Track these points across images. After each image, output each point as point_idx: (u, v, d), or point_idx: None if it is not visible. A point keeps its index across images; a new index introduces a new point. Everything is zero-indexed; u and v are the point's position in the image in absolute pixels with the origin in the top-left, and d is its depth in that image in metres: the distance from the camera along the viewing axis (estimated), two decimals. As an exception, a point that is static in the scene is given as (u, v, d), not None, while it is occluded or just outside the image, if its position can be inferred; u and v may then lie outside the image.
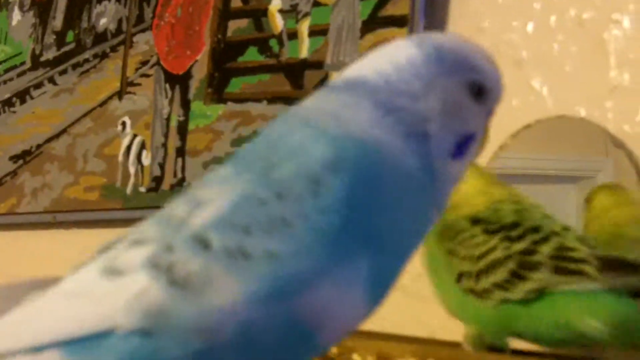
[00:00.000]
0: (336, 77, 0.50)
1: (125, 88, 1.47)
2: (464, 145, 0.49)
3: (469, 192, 0.77)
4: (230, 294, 0.41)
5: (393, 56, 0.49)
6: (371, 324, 0.48)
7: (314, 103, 0.49)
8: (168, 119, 1.36)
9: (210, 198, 0.44)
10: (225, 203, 0.43)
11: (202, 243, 0.42)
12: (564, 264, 0.71)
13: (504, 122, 0.93)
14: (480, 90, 0.50)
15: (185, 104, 1.33)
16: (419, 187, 0.47)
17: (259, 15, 1.24)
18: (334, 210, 0.43)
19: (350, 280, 0.43)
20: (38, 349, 0.43)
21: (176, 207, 0.45)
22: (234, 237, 0.42)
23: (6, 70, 1.72)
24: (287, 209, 0.43)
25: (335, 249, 0.43)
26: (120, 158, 1.44)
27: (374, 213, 0.44)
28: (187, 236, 0.43)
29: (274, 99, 1.19)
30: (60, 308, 0.44)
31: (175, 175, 1.32)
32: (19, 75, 1.68)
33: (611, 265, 0.71)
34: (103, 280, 0.43)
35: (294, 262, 0.42)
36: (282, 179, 0.44)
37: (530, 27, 0.94)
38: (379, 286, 0.45)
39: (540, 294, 0.71)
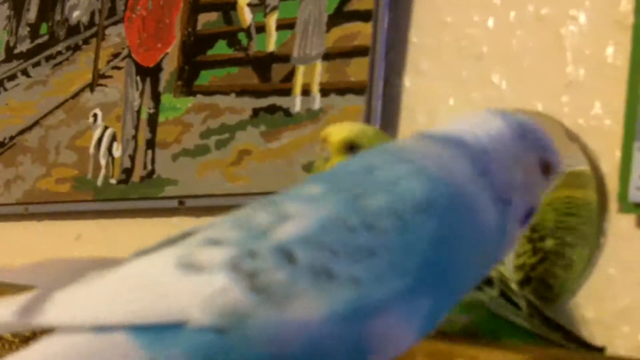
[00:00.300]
0: (432, 130, 0.55)
1: (97, 80, 1.48)
2: (529, 215, 0.54)
3: None
4: (310, 310, 0.43)
5: (485, 125, 0.54)
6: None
7: (415, 145, 0.52)
8: (139, 112, 1.37)
9: (297, 213, 0.46)
10: (312, 222, 0.45)
11: (287, 256, 0.44)
12: (508, 292, 0.73)
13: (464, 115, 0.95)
14: (548, 168, 0.55)
15: (156, 97, 1.34)
16: (492, 245, 0.51)
17: (228, 8, 1.25)
18: (416, 249, 0.46)
19: (413, 314, 0.46)
20: (102, 329, 0.43)
21: (257, 214, 0.47)
22: (321, 256, 0.44)
23: (-20, 63, 1.72)
24: (374, 240, 0.45)
25: (409, 284, 0.45)
26: (92, 150, 1.44)
27: (450, 259, 0.48)
28: (272, 247, 0.44)
29: (242, 92, 1.20)
30: (130, 292, 0.44)
31: (145, 167, 1.33)
32: (-7, 67, 1.69)
33: (536, 312, 0.74)
34: (178, 273, 0.44)
35: (372, 290, 0.44)
36: (373, 210, 0.46)
37: (491, 22, 0.95)
38: (430, 324, 0.48)
39: (482, 307, 0.73)
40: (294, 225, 0.45)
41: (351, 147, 0.72)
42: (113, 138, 1.41)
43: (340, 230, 0.45)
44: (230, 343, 0.43)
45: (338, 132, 0.73)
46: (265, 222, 0.46)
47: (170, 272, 0.44)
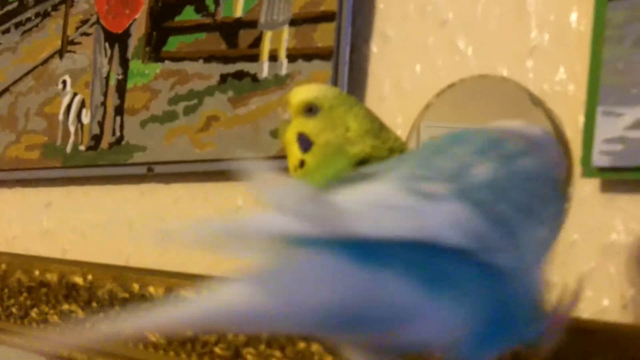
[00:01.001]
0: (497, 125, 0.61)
1: (65, 47, 1.47)
2: None
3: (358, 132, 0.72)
4: (519, 250, 0.51)
5: (531, 128, 0.61)
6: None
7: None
8: (107, 78, 1.36)
9: (475, 162, 0.51)
10: (497, 171, 0.51)
11: (499, 193, 0.50)
12: None
13: (430, 81, 0.95)
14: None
15: (124, 63, 1.34)
16: None
17: (196, -26, 1.25)
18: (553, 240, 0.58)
19: None
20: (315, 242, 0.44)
21: (435, 160, 0.52)
22: (508, 207, 0.51)
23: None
24: (515, 227, 0.51)
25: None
26: (61, 117, 1.44)
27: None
28: (478, 186, 0.49)
29: (209, 58, 1.19)
30: (378, 212, 0.45)
31: (114, 133, 1.33)
32: (-38, 34, 1.67)
33: None
34: (417, 198, 0.46)
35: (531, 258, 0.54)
36: (505, 210, 0.51)
37: (456, -13, 0.95)
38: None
39: None
40: (483, 171, 0.51)
41: (310, 109, 0.71)
42: (82, 104, 1.40)
43: (520, 188, 0.52)
44: (479, 266, 0.47)
45: (298, 93, 0.73)
46: (451, 166, 0.50)
47: (407, 197, 0.46)
